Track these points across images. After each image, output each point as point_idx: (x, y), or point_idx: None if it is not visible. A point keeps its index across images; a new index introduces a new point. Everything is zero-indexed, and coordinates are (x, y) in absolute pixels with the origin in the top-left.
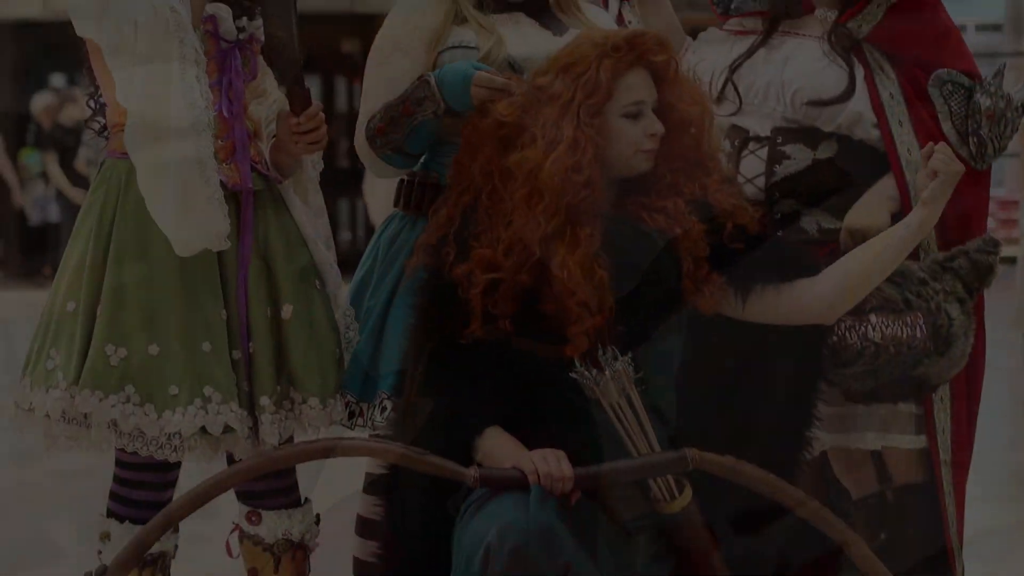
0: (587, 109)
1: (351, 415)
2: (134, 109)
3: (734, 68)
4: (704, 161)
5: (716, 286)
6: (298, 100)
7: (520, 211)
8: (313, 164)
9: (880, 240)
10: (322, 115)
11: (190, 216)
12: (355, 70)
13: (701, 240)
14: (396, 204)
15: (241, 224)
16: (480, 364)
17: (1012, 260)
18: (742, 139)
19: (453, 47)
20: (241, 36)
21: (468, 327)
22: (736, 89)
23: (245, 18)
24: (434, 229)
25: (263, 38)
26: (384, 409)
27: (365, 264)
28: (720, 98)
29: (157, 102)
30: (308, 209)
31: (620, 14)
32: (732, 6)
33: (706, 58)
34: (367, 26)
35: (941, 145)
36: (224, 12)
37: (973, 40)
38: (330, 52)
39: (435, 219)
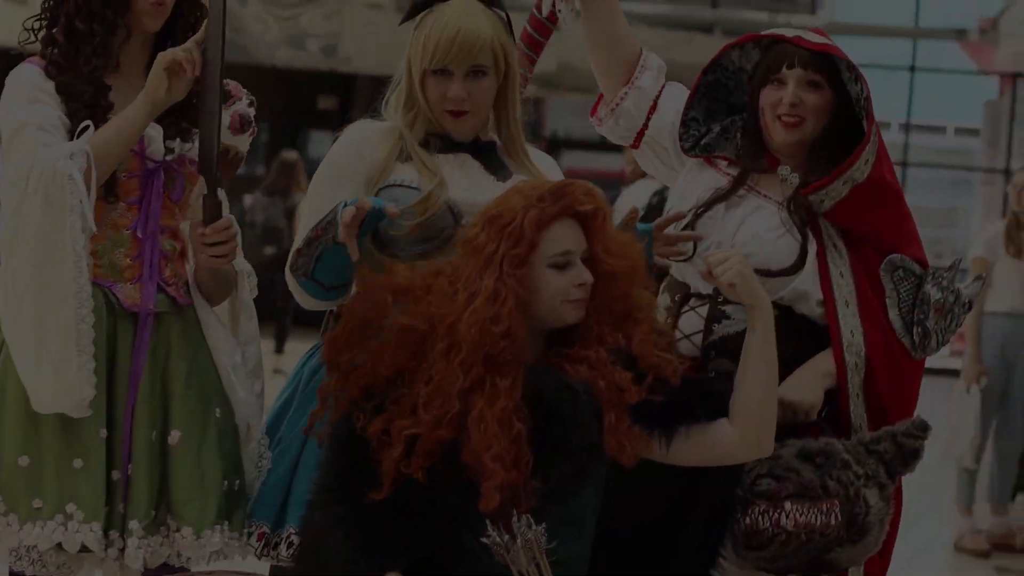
0: (510, 260)
1: (266, 545)
2: (14, 262)
3: (697, 215)
4: (632, 312)
5: (638, 439)
6: (208, 210)
7: (440, 365)
8: (251, 288)
9: (744, 362)
10: (233, 229)
11: (55, 381)
12: (331, 125)
13: (625, 391)
14: (322, 336)
15: (136, 345)
16: (388, 509)
17: (956, 373)
18: (683, 295)
19: (394, 184)
20: (168, 157)
21: (377, 487)
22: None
23: (179, 140)
24: (355, 380)
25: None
26: (291, 544)
27: (285, 393)
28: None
29: (42, 260)
30: (231, 336)
31: (554, 5)
32: (702, 143)
33: (679, 183)
34: (345, 84)
35: (712, 257)
36: (155, 132)
37: (951, 143)
38: (308, 107)
39: (356, 368)
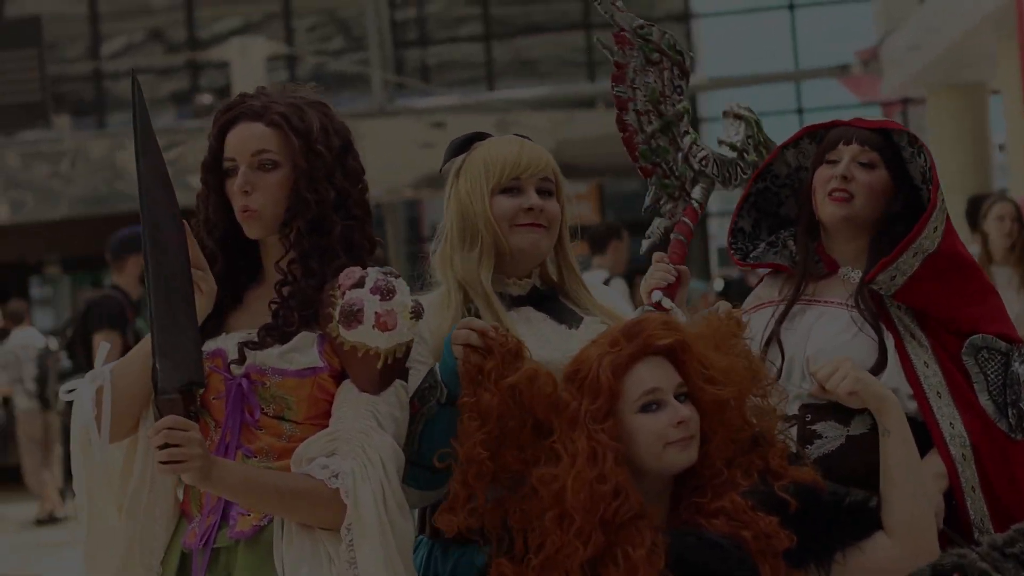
0: (592, 415)
1: None
2: None
3: (765, 343)
4: (757, 440)
5: None
6: (161, 407)
7: (553, 536)
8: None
9: (886, 470)
10: (178, 434)
11: None
12: None
13: (774, 538)
14: (422, 530)
15: None
16: None
17: None
18: None
19: None
20: (235, 372)
21: None
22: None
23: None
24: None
25: (289, 366)
26: None
27: None
28: None
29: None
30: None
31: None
32: (751, 255)
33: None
34: None
35: (820, 372)
36: (232, 343)
37: None
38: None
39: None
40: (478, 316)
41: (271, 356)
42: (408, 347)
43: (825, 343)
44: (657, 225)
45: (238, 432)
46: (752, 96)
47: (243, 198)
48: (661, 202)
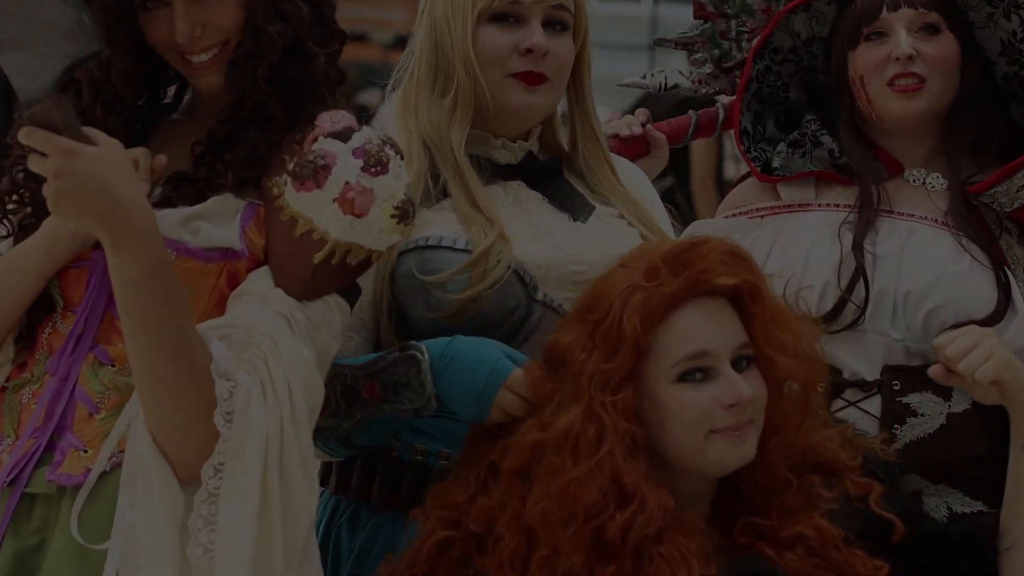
0: (601, 380)
1: None
2: None
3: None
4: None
5: None
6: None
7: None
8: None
9: (1017, 493)
10: (49, 164)
11: None
12: None
13: None
14: (324, 482)
15: None
16: None
17: None
18: (833, 384)
19: (425, 246)
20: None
21: None
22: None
23: None
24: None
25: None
26: None
27: None
28: None
29: None
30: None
31: None
32: (774, 164)
33: None
34: None
35: (949, 348)
36: None
37: None
38: None
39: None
40: (444, 190)
41: (168, 219)
42: (370, 258)
43: (933, 275)
44: (668, 77)
45: (97, 324)
46: None
47: (187, 40)
48: (697, 55)
